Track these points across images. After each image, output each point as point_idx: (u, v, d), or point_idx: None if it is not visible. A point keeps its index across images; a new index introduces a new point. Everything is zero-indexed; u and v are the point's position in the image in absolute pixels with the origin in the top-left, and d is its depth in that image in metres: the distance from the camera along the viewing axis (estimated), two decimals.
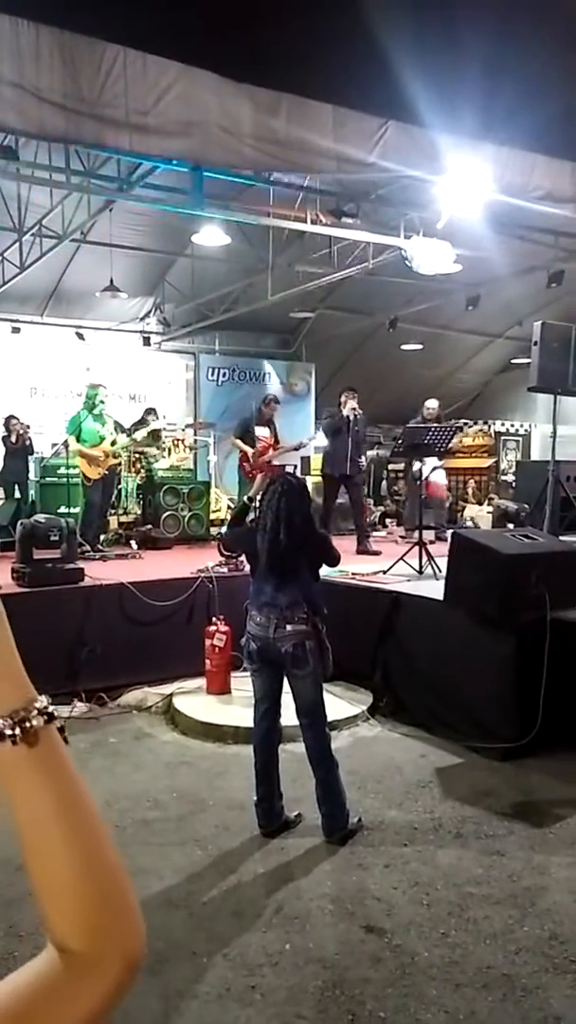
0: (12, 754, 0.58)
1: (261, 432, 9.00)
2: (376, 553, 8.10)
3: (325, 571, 4.07)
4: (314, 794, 3.72)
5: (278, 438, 9.16)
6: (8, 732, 0.58)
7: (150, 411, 10.36)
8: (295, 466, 10.98)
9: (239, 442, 8.99)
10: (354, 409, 8.64)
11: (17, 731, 0.58)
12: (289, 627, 3.58)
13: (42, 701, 0.61)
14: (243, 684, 5.68)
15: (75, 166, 6.98)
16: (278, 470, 7.22)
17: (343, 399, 8.77)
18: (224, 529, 7.56)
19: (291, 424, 11.83)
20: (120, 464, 9.09)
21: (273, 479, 3.89)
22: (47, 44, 5.02)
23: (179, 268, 12.17)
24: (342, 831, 3.65)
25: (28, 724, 0.59)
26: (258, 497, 4.02)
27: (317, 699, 3.69)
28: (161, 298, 12.95)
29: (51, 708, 0.61)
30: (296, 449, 9.24)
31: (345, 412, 8.60)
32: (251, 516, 3.96)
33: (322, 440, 9.32)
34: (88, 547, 7.58)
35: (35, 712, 0.59)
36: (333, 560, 3.89)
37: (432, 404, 9.69)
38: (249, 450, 8.87)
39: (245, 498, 4.22)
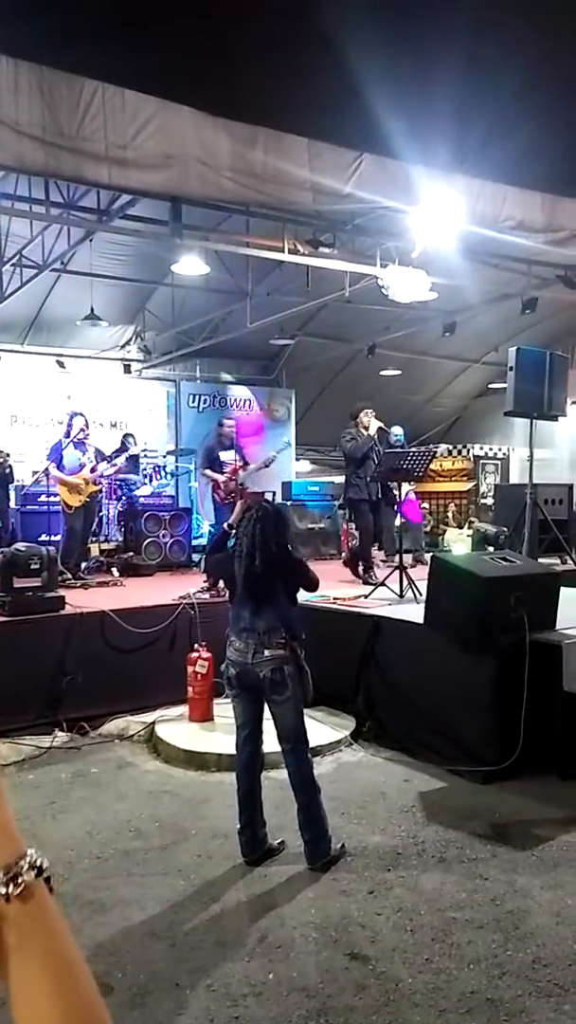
0: (4, 910, 0.59)
1: (226, 456, 8.96)
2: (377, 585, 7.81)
3: (306, 596, 4.11)
4: (296, 821, 3.71)
5: (246, 459, 9.12)
6: (1, 890, 0.58)
7: (128, 436, 10.38)
8: (274, 492, 11.01)
9: (209, 472, 8.92)
10: (380, 428, 8.20)
11: (11, 888, 0.59)
12: (267, 652, 3.60)
13: (32, 854, 0.61)
14: (226, 711, 5.65)
15: (55, 197, 7.05)
16: (253, 496, 7.17)
17: (366, 419, 8.17)
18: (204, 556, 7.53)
19: (272, 449, 11.88)
20: (101, 491, 9.09)
21: (249, 506, 4.00)
22: (26, 80, 5.11)
23: (159, 297, 12.27)
24: (325, 858, 3.64)
25: (20, 879, 0.59)
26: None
27: (298, 724, 3.71)
28: (142, 326, 13.03)
29: (40, 860, 0.61)
30: (267, 465, 9.10)
31: (372, 431, 8.14)
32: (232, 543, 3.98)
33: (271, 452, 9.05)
34: (69, 575, 7.56)
35: (26, 866, 0.60)
36: (311, 585, 3.90)
37: (397, 431, 9.75)
38: (219, 478, 8.80)
39: (225, 525, 4.25)
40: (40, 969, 0.59)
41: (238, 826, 3.74)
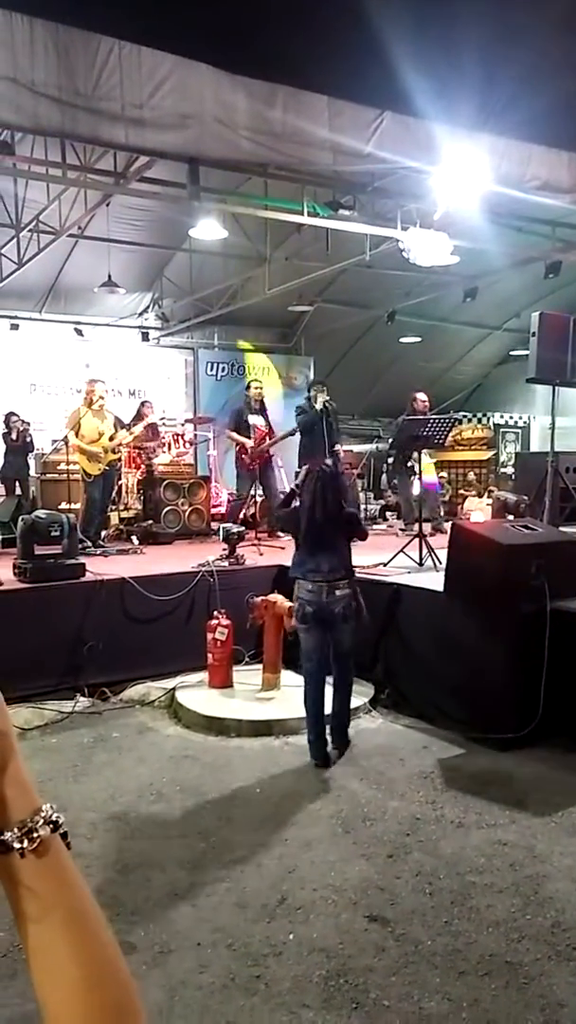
0: (20, 865, 0.58)
1: (254, 420, 9.01)
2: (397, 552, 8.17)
3: None
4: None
5: (272, 426, 9.19)
6: (16, 845, 0.58)
7: (144, 404, 10.36)
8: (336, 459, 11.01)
9: (235, 435, 9.01)
10: (327, 401, 8.73)
11: (25, 843, 0.58)
12: (338, 592, 4.38)
13: (47, 810, 0.60)
14: (245, 678, 5.70)
15: (71, 160, 6.96)
16: (313, 461, 7.39)
17: (314, 393, 8.85)
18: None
19: (291, 417, 11.81)
20: (120, 460, 9.10)
21: (310, 469, 4.66)
22: (42, 38, 5.01)
23: (177, 263, 12.15)
24: (345, 739, 4.59)
25: (36, 835, 0.58)
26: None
27: (354, 642, 4.56)
28: (159, 293, 12.93)
29: (56, 815, 0.60)
30: (293, 435, 9.27)
31: (318, 406, 8.62)
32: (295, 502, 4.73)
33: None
34: (89, 543, 7.59)
35: (41, 821, 0.59)
36: (362, 534, 4.73)
37: (422, 397, 9.65)
38: (247, 442, 8.87)
39: (292, 486, 4.98)
40: (58, 923, 0.58)
41: (310, 737, 4.47)
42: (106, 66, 5.10)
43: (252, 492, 9.08)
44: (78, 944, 0.58)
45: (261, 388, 9.45)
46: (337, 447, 8.98)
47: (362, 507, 11.37)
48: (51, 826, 0.59)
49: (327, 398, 8.73)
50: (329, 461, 5.77)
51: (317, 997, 2.55)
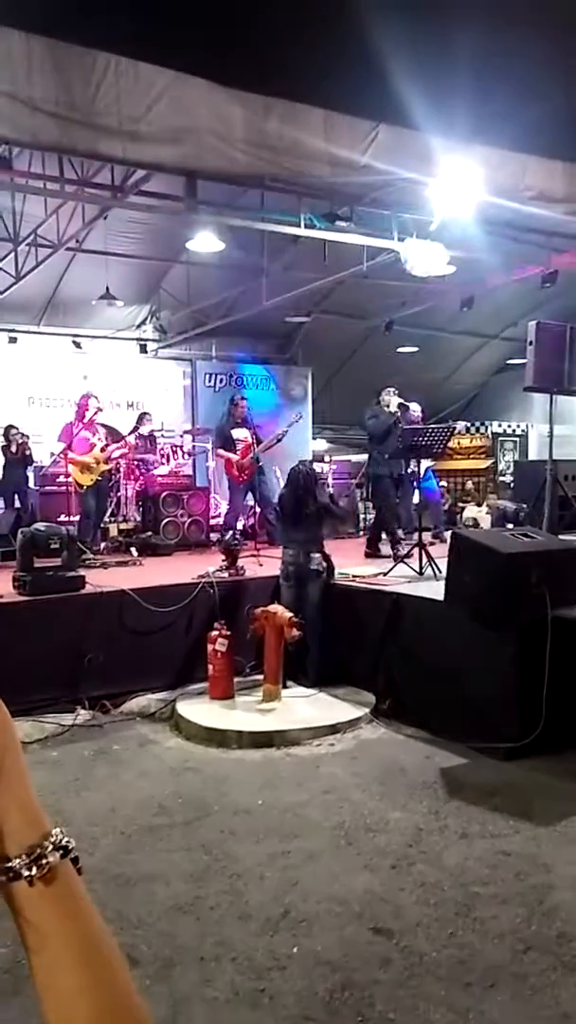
0: (28, 893, 0.56)
1: (238, 434, 9.04)
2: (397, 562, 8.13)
3: None
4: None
5: (258, 436, 9.20)
6: (25, 872, 0.56)
7: (143, 416, 10.37)
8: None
9: (222, 451, 9.05)
10: (401, 405, 8.52)
11: (34, 870, 0.56)
12: (313, 556, 5.82)
13: (56, 834, 0.58)
14: (246, 689, 5.69)
15: (69, 175, 6.99)
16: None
17: (387, 397, 8.50)
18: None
19: (291, 429, 11.82)
20: (118, 471, 9.10)
21: (293, 468, 6.17)
22: (39, 54, 5.05)
23: (174, 275, 12.19)
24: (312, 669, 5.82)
25: (44, 861, 0.56)
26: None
27: (319, 598, 5.81)
28: (157, 305, 12.97)
29: (66, 840, 0.58)
30: (279, 440, 9.27)
31: (392, 408, 8.37)
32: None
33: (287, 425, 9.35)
34: (90, 554, 7.58)
35: (50, 847, 0.57)
36: (334, 517, 6.57)
37: (415, 408, 9.63)
38: (233, 457, 8.91)
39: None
40: (66, 954, 0.56)
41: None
42: (103, 81, 5.14)
43: (249, 503, 9.11)
44: (86, 975, 0.56)
45: (246, 403, 9.48)
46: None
47: (360, 516, 11.39)
48: (61, 851, 0.57)
49: (401, 400, 8.43)
50: (310, 461, 7.11)
51: (322, 1010, 2.53)
